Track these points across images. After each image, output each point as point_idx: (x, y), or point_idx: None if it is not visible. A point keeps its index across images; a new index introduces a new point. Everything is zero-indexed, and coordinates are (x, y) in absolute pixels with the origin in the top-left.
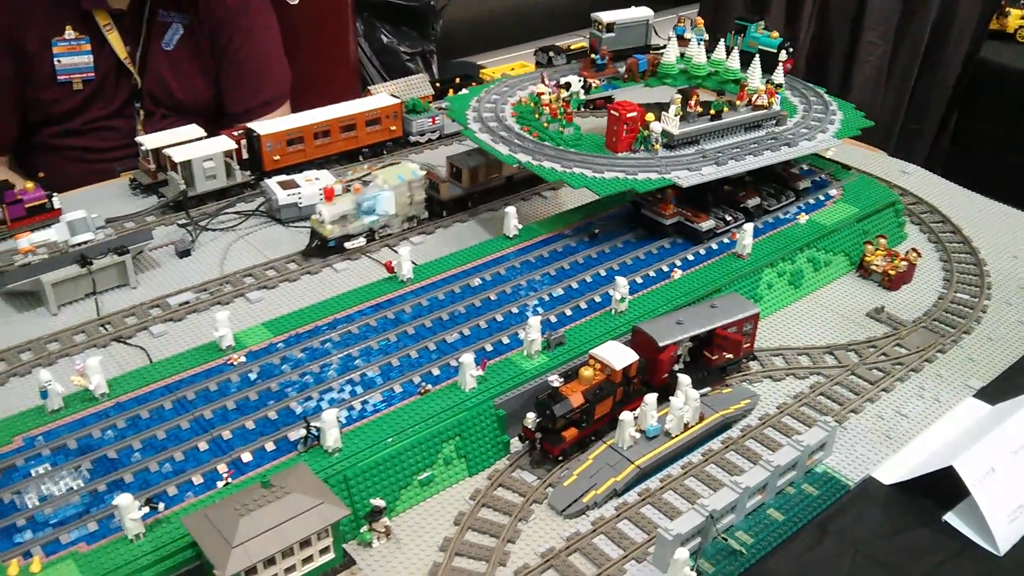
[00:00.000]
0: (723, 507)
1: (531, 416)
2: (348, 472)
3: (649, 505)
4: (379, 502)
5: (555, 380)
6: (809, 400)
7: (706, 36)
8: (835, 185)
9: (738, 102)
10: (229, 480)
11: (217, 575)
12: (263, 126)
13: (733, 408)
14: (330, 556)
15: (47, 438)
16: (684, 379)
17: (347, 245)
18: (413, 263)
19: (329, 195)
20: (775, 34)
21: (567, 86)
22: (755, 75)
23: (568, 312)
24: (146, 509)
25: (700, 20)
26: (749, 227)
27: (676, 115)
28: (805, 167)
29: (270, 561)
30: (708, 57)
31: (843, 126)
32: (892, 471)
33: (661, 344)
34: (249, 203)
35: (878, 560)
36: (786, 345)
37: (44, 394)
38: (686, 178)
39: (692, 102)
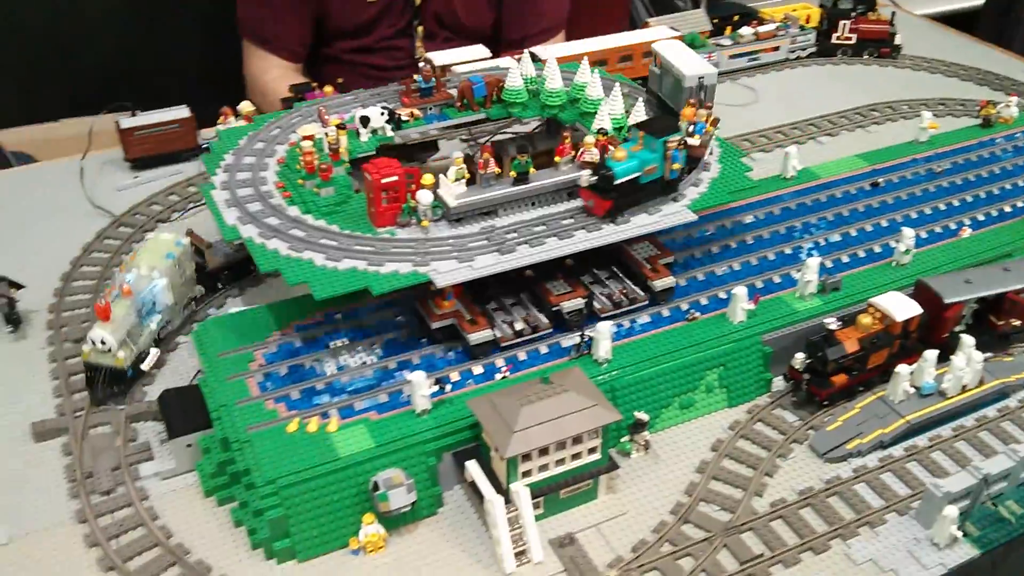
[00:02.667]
0: (997, 473)
1: (800, 357)
2: (615, 383)
3: (915, 461)
4: (643, 416)
5: (832, 323)
6: None
7: (707, 132)
8: None
9: (558, 157)
10: (507, 374)
11: (494, 456)
12: (544, 51)
13: (1015, 377)
14: (596, 457)
15: (345, 317)
16: (968, 340)
17: (144, 367)
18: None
19: (104, 313)
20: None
21: (364, 121)
22: (607, 111)
23: (845, 259)
24: (435, 388)
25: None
26: None
27: (459, 178)
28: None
29: (544, 451)
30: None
31: (711, 188)
32: None
33: (947, 301)
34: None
35: None
36: None
37: None
38: (448, 273)
39: (483, 160)
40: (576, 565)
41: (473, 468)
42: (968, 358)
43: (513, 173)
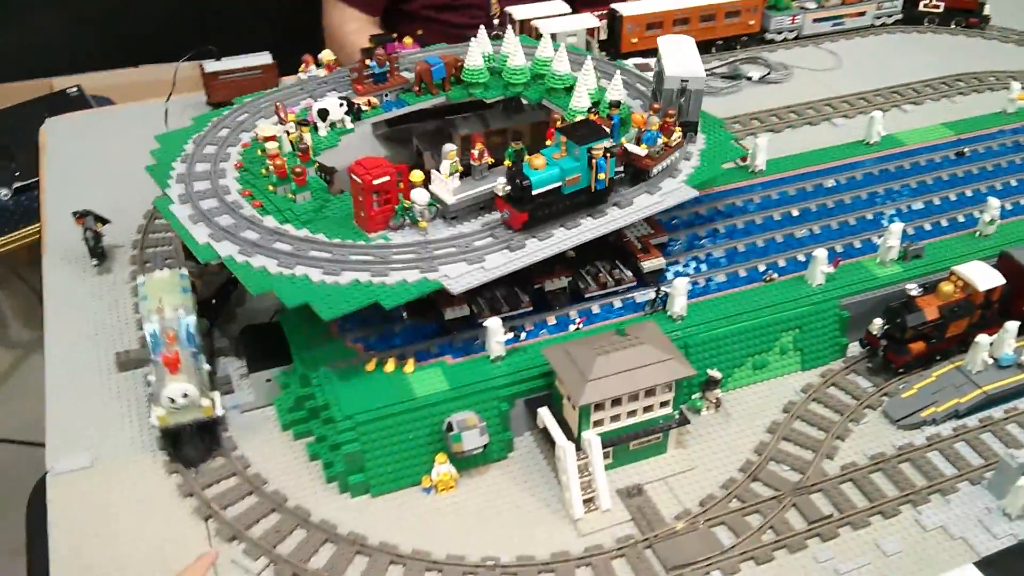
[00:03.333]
0: None
1: (878, 322)
2: (689, 340)
3: (990, 432)
4: (716, 373)
5: (913, 289)
6: None
7: (663, 143)
8: None
9: (548, 142)
10: (580, 326)
11: (566, 404)
12: (626, 8)
13: None
14: (667, 411)
15: None
16: None
17: (218, 412)
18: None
19: (175, 363)
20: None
21: (322, 114)
22: (584, 86)
23: (927, 227)
24: (510, 335)
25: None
26: None
27: (453, 172)
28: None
29: (616, 401)
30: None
31: (704, 160)
32: None
33: None
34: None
35: None
36: None
37: None
38: (460, 277)
39: (477, 152)
40: (643, 515)
41: (545, 415)
42: None
43: (508, 163)
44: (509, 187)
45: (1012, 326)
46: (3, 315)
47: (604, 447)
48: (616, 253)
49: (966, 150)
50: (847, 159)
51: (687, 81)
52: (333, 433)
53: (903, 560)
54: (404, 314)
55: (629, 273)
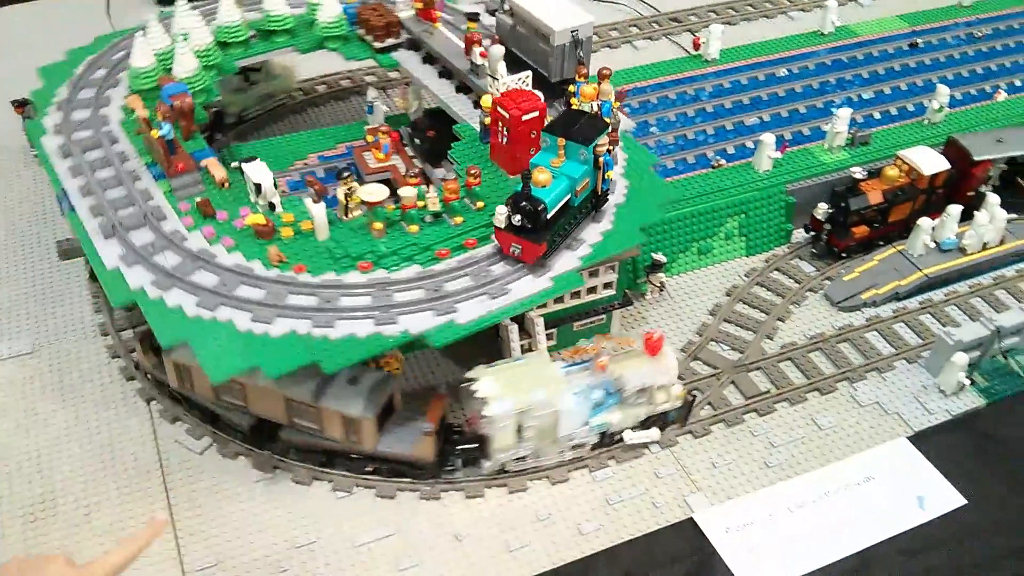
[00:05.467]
0: (1010, 326)
1: (823, 207)
2: None
3: (929, 314)
4: (660, 257)
5: (858, 173)
6: None
7: (614, 111)
8: None
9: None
10: None
11: None
12: None
13: None
14: (611, 292)
15: None
16: (993, 198)
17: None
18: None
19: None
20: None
21: (258, 188)
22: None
23: (876, 115)
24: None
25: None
26: None
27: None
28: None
29: None
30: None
31: None
32: None
33: (976, 158)
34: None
35: None
36: None
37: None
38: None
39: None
40: None
41: None
42: (992, 216)
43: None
44: (519, 216)
45: (955, 210)
46: None
47: (548, 328)
48: None
49: (919, 41)
50: (801, 49)
51: (576, 31)
52: None
53: (837, 434)
54: None
55: None
